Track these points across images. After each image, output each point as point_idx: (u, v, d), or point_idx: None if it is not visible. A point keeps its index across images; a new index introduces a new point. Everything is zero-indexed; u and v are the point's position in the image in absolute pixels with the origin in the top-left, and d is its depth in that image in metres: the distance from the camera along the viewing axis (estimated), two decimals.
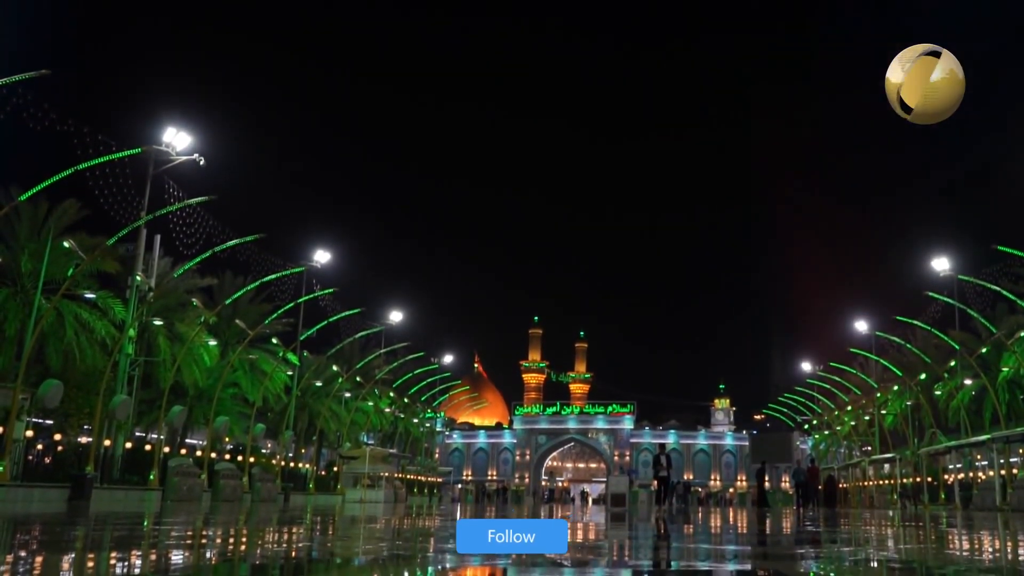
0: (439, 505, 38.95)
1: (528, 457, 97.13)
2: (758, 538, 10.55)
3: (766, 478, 35.30)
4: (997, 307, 37.94)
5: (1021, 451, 38.51)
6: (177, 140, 25.61)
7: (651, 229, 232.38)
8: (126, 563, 5.87)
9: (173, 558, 6.34)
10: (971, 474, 38.56)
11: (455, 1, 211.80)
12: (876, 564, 6.40)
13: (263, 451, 49.02)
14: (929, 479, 40.59)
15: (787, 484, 62.28)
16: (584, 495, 76.28)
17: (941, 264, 34.89)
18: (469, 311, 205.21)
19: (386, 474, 49.61)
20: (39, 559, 6.02)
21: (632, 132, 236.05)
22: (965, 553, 7.74)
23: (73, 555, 6.47)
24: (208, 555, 6.66)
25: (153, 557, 6.35)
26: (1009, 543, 9.37)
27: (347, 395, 51.18)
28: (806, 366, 65.80)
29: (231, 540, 8.77)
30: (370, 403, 55.38)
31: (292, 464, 46.07)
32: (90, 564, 5.77)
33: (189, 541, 8.29)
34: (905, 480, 43.55)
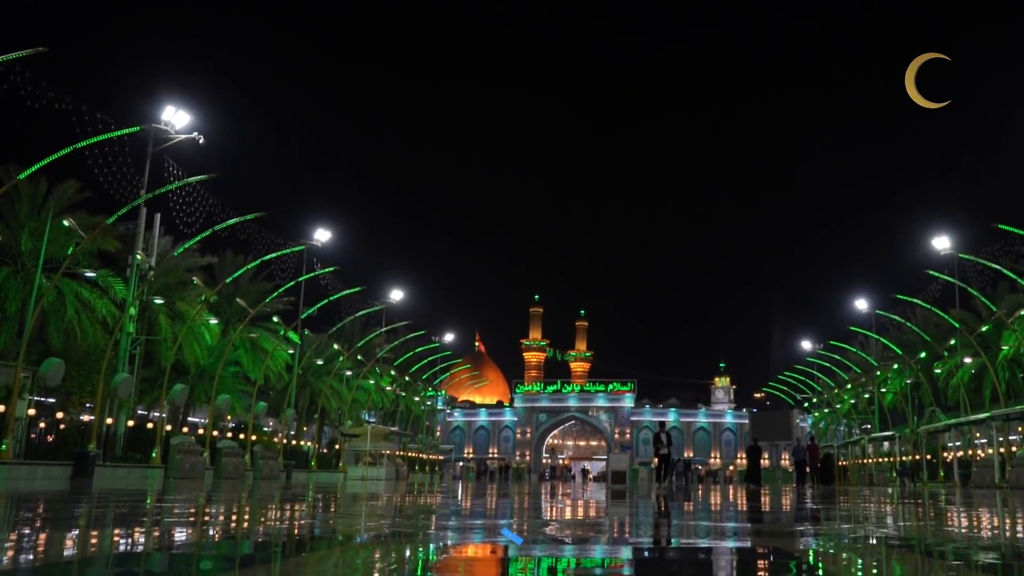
0: (440, 483, 39.16)
1: (529, 435, 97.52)
2: (758, 515, 10.60)
3: (764, 455, 35.35)
4: (998, 286, 37.91)
5: (1020, 429, 38.67)
6: (176, 119, 25.52)
7: (651, 208, 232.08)
8: (130, 539, 5.90)
9: (177, 535, 6.37)
10: (970, 452, 38.69)
11: None
12: (875, 541, 6.43)
13: (265, 429, 49.20)
14: (928, 457, 40.75)
15: (787, 462, 62.59)
16: (584, 472, 76.72)
17: (942, 242, 34.80)
18: (470, 290, 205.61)
19: (387, 452, 49.79)
20: (43, 536, 6.05)
21: (633, 113, 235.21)
22: (964, 530, 7.77)
23: (77, 532, 6.51)
24: (211, 532, 6.70)
25: (156, 534, 6.39)
26: (1008, 520, 9.41)
27: (348, 373, 51.30)
28: (806, 344, 65.94)
29: (234, 517, 8.82)
30: (371, 381, 55.52)
31: (294, 442, 46.25)
32: (94, 540, 5.80)
33: (192, 518, 8.33)
34: (904, 458, 43.73)
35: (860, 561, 5.17)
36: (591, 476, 73.73)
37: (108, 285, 29.92)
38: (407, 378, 63.77)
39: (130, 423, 29.81)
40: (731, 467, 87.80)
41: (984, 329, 39.91)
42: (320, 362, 49.78)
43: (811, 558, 5.31)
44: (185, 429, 36.82)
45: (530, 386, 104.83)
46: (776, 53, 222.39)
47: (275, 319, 41.93)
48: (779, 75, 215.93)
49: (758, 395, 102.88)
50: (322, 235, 36.05)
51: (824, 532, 7.28)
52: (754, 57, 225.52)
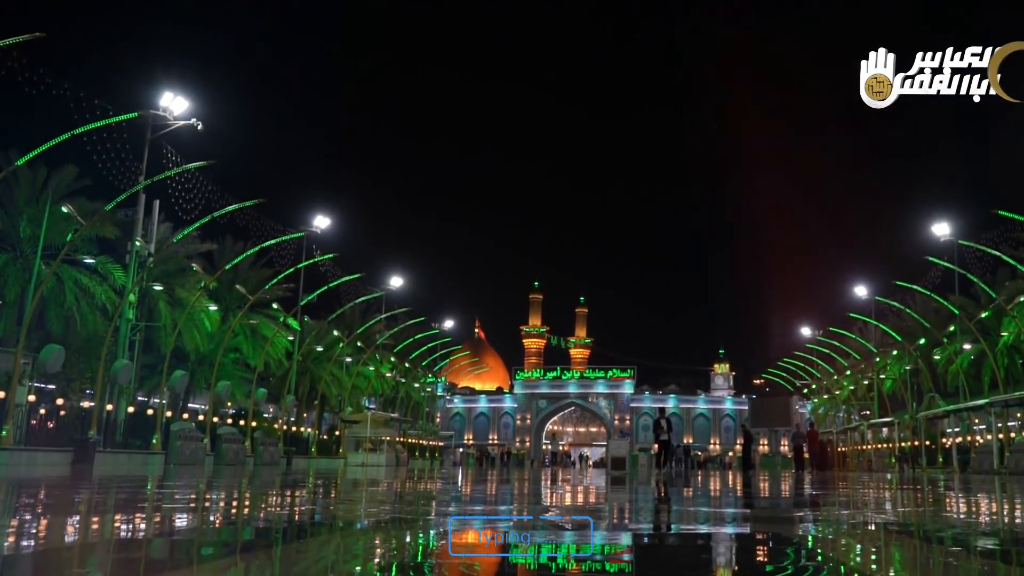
0: (440, 469, 39.27)
1: (529, 421, 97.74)
2: (756, 501, 10.63)
3: (763, 441, 35.54)
4: (998, 272, 37.86)
5: (1019, 415, 38.70)
6: (175, 104, 25.43)
7: (651, 194, 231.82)
8: (131, 525, 5.91)
9: (178, 521, 6.38)
10: (969, 438, 38.77)
11: None
12: (873, 527, 6.44)
13: (265, 415, 49.31)
14: (927, 443, 40.84)
15: (786, 448, 62.76)
16: (582, 458, 77.15)
17: (941, 228, 34.76)
18: (469, 276, 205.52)
19: (388, 438, 49.92)
20: (44, 521, 6.06)
21: (632, 99, 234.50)
22: (962, 516, 7.79)
23: (78, 517, 6.52)
24: (212, 518, 6.71)
25: (157, 519, 6.40)
26: (1006, 506, 9.44)
27: (348, 360, 51.36)
28: (806, 331, 65.97)
29: (235, 503, 8.84)
30: (371, 368, 55.59)
31: (294, 428, 46.34)
32: (95, 526, 5.82)
33: (193, 504, 8.35)
34: (903, 444, 43.83)
35: (859, 546, 5.19)
36: (590, 462, 74.04)
37: (107, 271, 29.93)
38: (407, 364, 63.87)
39: (130, 409, 29.87)
40: (730, 453, 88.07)
41: (984, 315, 39.91)
42: (320, 349, 49.83)
43: (809, 543, 5.32)
44: (185, 415, 36.90)
45: (530, 372, 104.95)
46: (775, 36, 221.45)
47: (275, 306, 41.94)
48: (776, 60, 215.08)
49: (757, 381, 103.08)
50: (321, 222, 36.05)
51: (822, 518, 7.30)
52: (753, 40, 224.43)
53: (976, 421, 40.29)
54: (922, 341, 46.56)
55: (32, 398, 24.16)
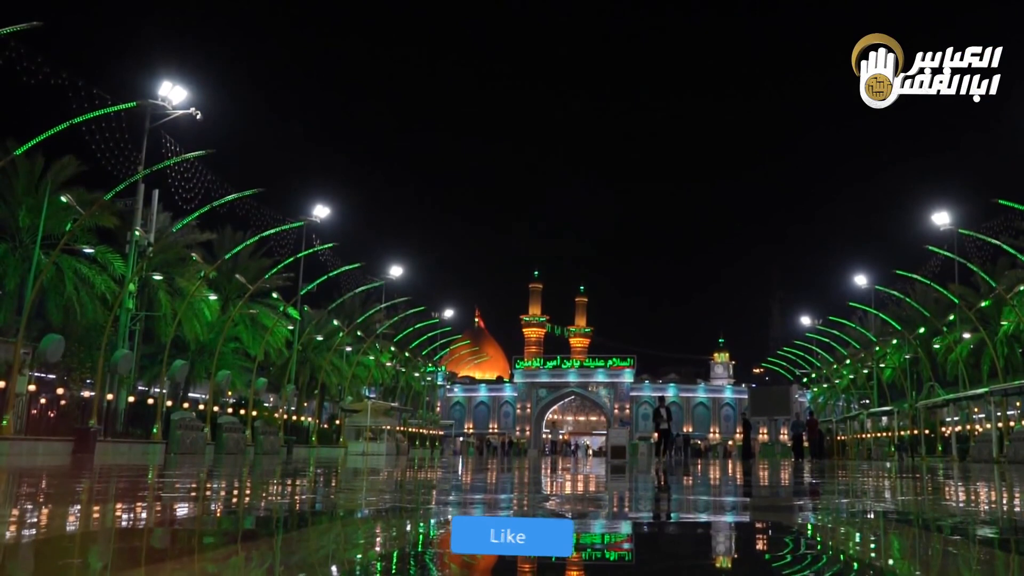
0: (440, 458, 39.32)
1: (529, 410, 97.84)
2: (756, 490, 10.65)
3: (763, 430, 35.58)
4: (997, 261, 37.85)
5: (1018, 404, 38.74)
6: (173, 94, 25.39)
7: (651, 183, 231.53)
8: (132, 514, 5.92)
9: (179, 509, 6.39)
10: (968, 427, 38.81)
11: None
12: (872, 515, 6.45)
13: (265, 405, 49.30)
14: (927, 432, 40.89)
15: (786, 437, 62.87)
16: (581, 447, 77.36)
17: (941, 218, 34.71)
18: (469, 266, 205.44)
19: (388, 427, 49.99)
20: (45, 510, 6.07)
21: (632, 91, 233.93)
22: (961, 504, 7.80)
23: (79, 506, 6.53)
24: (213, 507, 6.72)
25: (158, 508, 6.41)
26: (1005, 494, 9.45)
27: (348, 349, 51.39)
28: (805, 320, 66.06)
29: (235, 492, 8.85)
30: (371, 357, 55.63)
31: (294, 417, 46.41)
32: (96, 515, 5.83)
33: (194, 493, 8.36)
34: (903, 433, 43.88)
35: (858, 535, 5.19)
36: (591, 451, 74.23)
37: (107, 261, 29.89)
38: (407, 354, 63.91)
39: (131, 399, 29.91)
40: (730, 442, 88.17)
41: (983, 305, 39.89)
42: (320, 338, 49.85)
43: (809, 531, 5.33)
44: (186, 405, 36.93)
45: (530, 362, 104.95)
46: (777, 28, 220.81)
47: (275, 295, 41.93)
48: (777, 51, 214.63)
49: (757, 371, 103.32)
50: (321, 211, 36.01)
51: (822, 506, 7.31)
52: (753, 34, 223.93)
53: (975, 410, 40.31)
54: (922, 330, 46.57)
55: (32, 388, 24.18)
